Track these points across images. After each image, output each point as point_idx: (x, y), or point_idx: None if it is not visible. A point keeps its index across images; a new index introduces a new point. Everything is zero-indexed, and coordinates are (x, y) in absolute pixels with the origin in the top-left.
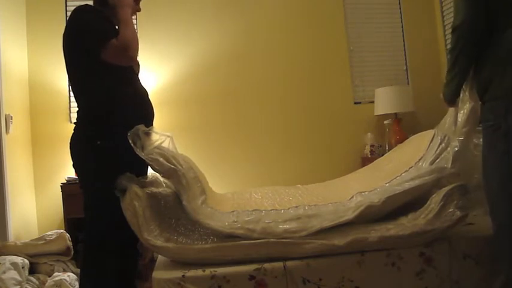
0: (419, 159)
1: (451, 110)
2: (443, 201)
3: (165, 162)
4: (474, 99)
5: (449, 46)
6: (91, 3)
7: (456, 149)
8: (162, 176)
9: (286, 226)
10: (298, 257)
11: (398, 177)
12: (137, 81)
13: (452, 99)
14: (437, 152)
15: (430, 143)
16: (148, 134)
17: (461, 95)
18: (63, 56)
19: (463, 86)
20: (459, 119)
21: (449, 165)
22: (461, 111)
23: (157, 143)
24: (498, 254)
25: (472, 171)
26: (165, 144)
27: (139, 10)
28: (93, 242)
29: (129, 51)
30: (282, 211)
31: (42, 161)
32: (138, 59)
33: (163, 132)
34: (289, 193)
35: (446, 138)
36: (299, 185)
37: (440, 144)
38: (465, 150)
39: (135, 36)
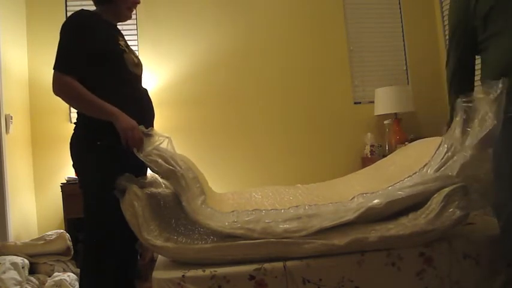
0: (424, 166)
1: (457, 119)
2: (444, 201)
3: (163, 163)
4: (487, 109)
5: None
6: (90, 3)
7: (465, 159)
8: (160, 177)
9: (287, 226)
10: (298, 257)
11: (401, 182)
12: (137, 82)
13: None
14: (443, 159)
15: (436, 150)
16: (147, 135)
17: (471, 104)
18: None
19: (477, 95)
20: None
21: (455, 174)
22: (474, 122)
23: (155, 144)
24: (504, 255)
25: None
26: (164, 145)
27: (138, 2)
28: (92, 242)
29: (58, 90)
30: (282, 211)
31: (42, 161)
32: (141, 60)
33: (162, 133)
34: (289, 193)
35: (453, 147)
36: (299, 185)
37: (446, 152)
38: (474, 161)
39: (78, 100)
